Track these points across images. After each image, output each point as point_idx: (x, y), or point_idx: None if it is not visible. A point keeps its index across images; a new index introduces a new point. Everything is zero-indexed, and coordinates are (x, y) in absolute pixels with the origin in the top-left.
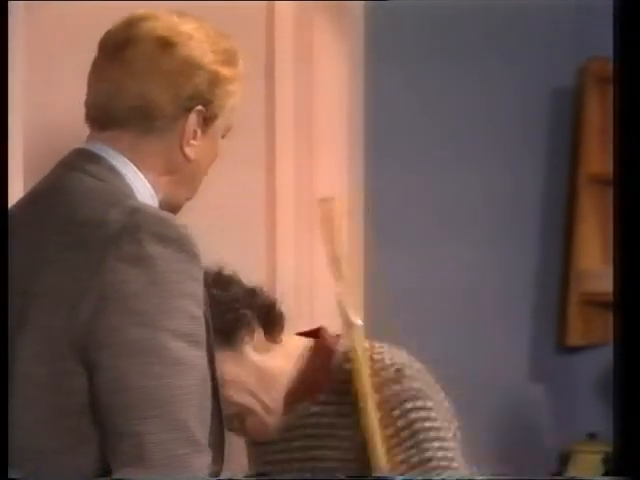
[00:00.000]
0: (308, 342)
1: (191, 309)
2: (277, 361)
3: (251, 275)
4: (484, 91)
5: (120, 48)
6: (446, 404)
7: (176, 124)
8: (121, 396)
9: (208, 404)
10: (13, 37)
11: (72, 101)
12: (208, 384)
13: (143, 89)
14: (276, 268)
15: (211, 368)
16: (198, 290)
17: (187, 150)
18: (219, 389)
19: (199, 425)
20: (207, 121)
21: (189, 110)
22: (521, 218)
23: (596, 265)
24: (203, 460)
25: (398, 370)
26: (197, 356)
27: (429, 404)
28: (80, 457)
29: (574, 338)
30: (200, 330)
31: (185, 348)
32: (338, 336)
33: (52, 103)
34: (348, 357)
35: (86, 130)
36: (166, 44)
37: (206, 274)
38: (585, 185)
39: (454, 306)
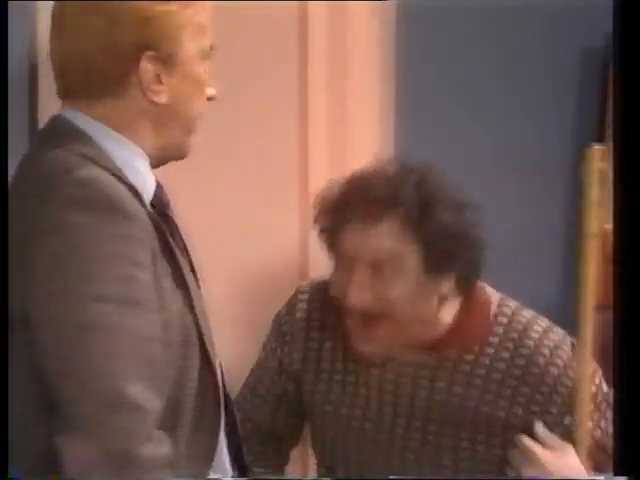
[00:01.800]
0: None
1: (120, 270)
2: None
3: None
4: (513, 65)
5: (60, 19)
6: None
7: (131, 76)
8: (53, 365)
9: (158, 364)
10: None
11: None
12: (155, 345)
13: (84, 54)
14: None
15: (195, 324)
16: (132, 248)
17: (153, 97)
18: (211, 358)
19: (140, 388)
20: (165, 60)
21: (137, 60)
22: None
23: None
24: (146, 426)
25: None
26: (131, 316)
27: None
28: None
29: None
30: (136, 290)
31: (114, 311)
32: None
33: None
34: (502, 310)
35: None
36: (91, 2)
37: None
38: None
39: None
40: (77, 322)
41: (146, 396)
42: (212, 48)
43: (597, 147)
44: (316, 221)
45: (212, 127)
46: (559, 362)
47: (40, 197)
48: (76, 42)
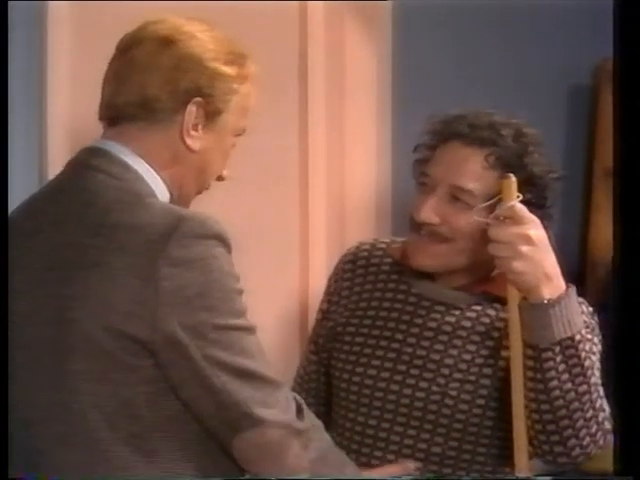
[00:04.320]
0: None
1: (239, 288)
2: None
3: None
4: (502, 90)
5: (127, 48)
6: None
7: (176, 116)
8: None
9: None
10: (55, 34)
11: None
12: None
13: (142, 84)
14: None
15: None
16: (234, 269)
17: (188, 141)
18: None
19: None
20: (210, 115)
21: (187, 102)
22: None
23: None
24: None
25: None
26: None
27: None
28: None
29: None
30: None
31: (246, 318)
32: None
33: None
34: None
35: None
36: (167, 42)
37: None
38: (600, 178)
39: None
40: (229, 337)
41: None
42: (243, 132)
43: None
44: (416, 150)
45: None
46: None
47: (160, 233)
48: (138, 73)
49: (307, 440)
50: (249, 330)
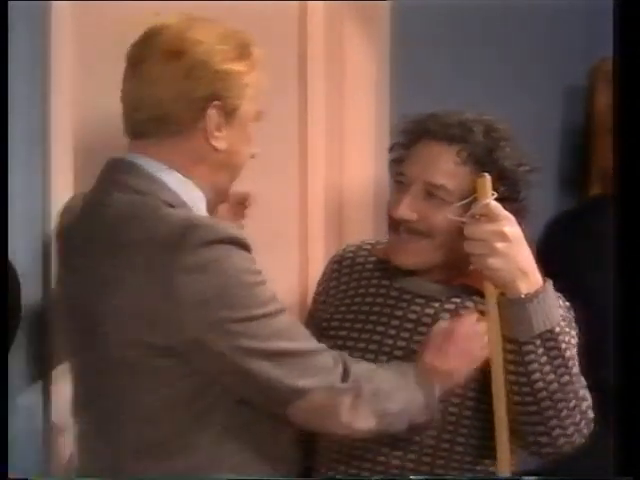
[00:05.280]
0: None
1: (259, 280)
2: None
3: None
4: (499, 91)
5: (137, 63)
6: None
7: (198, 123)
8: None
9: None
10: (58, 34)
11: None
12: None
13: (158, 100)
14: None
15: None
16: (252, 265)
17: (214, 142)
18: None
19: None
20: (229, 113)
21: (206, 108)
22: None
23: None
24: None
25: None
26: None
27: None
28: None
29: None
30: (266, 289)
31: (270, 305)
32: None
33: (100, 101)
34: None
35: None
36: (174, 54)
37: None
38: (597, 178)
39: None
40: (264, 325)
41: (310, 338)
42: (260, 115)
43: None
44: (391, 150)
45: None
46: None
47: (171, 245)
48: (152, 88)
49: (355, 394)
50: (274, 314)
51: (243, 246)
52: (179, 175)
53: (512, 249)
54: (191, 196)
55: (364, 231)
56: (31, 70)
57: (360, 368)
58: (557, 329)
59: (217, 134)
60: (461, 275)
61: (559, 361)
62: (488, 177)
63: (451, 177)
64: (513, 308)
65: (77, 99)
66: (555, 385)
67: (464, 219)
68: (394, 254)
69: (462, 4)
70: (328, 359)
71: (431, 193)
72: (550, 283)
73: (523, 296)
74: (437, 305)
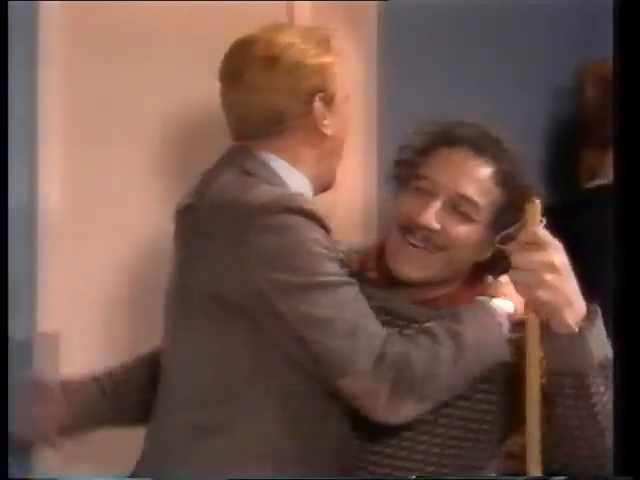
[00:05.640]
0: None
1: (326, 253)
2: None
3: None
4: (486, 91)
5: (237, 75)
6: None
7: (307, 115)
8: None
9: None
10: (47, 34)
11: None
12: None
13: (267, 104)
14: None
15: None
16: (323, 240)
17: (324, 130)
18: None
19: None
20: (330, 101)
21: (311, 102)
22: None
23: None
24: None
25: None
26: (347, 278)
27: None
28: None
29: None
30: (334, 264)
31: (333, 276)
32: None
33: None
34: None
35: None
36: (272, 60)
37: None
38: (586, 180)
39: None
40: (321, 290)
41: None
42: (349, 98)
43: None
44: (401, 151)
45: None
46: None
47: (251, 209)
48: (260, 94)
49: (397, 376)
50: (338, 285)
51: (321, 223)
52: (288, 165)
53: (561, 281)
54: (299, 184)
55: (351, 237)
56: (22, 69)
57: (402, 341)
58: (609, 354)
59: (325, 122)
60: (445, 296)
61: (609, 383)
62: (538, 202)
63: (484, 194)
64: (571, 340)
65: (67, 97)
66: (609, 406)
67: (510, 247)
68: (400, 263)
69: (457, 4)
70: (374, 340)
71: (458, 205)
72: (598, 309)
73: (579, 326)
74: (417, 327)
